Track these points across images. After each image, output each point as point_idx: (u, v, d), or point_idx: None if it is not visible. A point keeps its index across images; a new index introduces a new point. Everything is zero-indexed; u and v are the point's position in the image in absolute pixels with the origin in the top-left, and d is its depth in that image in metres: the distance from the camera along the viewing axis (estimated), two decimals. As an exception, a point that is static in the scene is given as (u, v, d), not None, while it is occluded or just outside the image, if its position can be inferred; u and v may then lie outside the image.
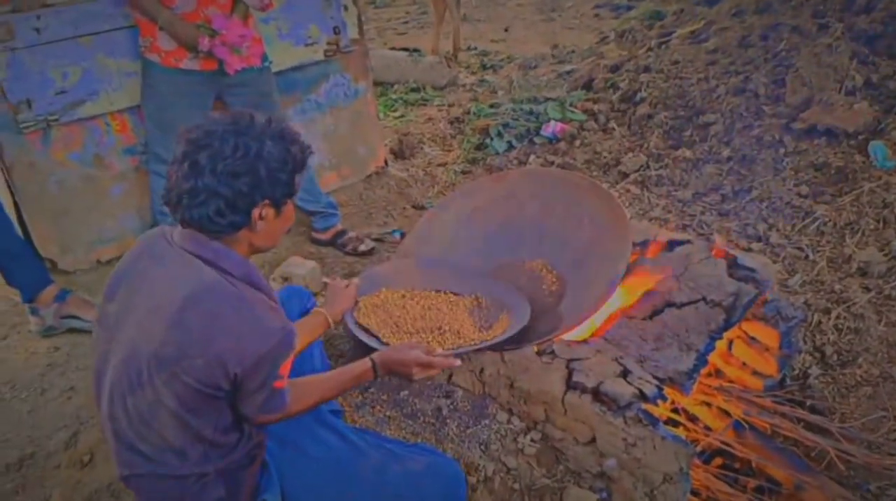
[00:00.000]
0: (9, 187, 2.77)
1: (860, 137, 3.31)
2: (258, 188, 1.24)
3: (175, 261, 1.26)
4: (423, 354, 1.52)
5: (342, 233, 3.32)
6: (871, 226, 2.87)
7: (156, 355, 1.19)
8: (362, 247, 3.26)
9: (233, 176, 1.21)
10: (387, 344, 1.87)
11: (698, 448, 1.95)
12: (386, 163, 3.99)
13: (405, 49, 6.35)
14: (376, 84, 5.36)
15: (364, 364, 1.49)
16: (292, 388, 1.32)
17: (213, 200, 1.21)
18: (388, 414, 1.91)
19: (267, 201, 1.26)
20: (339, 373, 1.47)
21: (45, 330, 2.62)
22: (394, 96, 5.65)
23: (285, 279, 2.71)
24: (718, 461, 2.08)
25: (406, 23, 8.63)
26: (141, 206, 3.03)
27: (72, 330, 2.67)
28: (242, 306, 1.22)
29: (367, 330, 1.92)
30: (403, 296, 2.11)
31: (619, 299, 2.16)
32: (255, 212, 1.26)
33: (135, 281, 1.29)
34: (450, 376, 1.94)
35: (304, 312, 1.87)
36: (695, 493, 1.85)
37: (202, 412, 1.23)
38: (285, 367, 1.26)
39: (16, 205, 2.82)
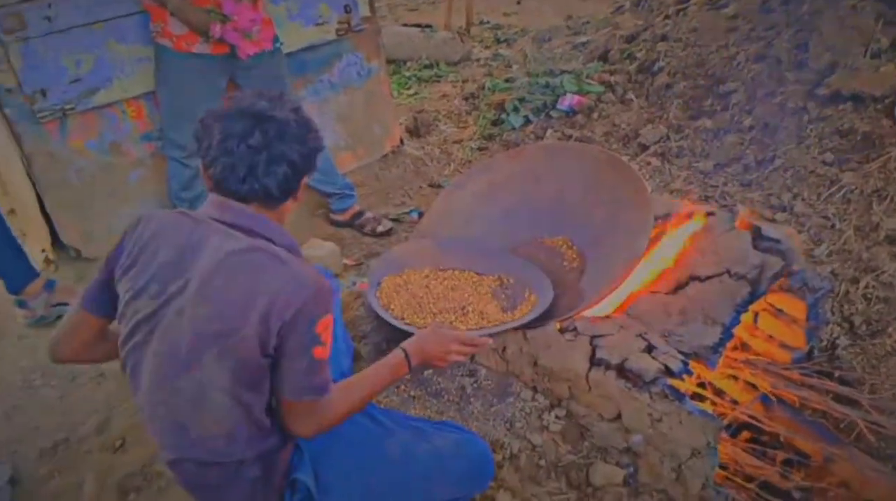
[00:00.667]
0: (30, 178, 2.79)
1: (887, 101, 3.20)
2: (309, 158, 1.31)
3: (210, 238, 1.24)
4: (461, 333, 1.55)
5: (360, 213, 3.32)
6: (900, 193, 2.80)
7: (203, 333, 1.19)
8: (380, 228, 3.26)
9: (299, 142, 1.28)
10: (409, 324, 1.87)
11: (725, 422, 1.93)
12: (401, 141, 3.97)
13: (417, 25, 6.27)
14: (389, 62, 5.31)
15: (396, 355, 1.44)
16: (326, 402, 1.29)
17: (281, 167, 1.26)
18: (412, 393, 1.91)
19: (307, 178, 1.34)
20: (372, 370, 1.42)
21: (36, 320, 2.64)
22: (407, 73, 5.59)
23: (304, 261, 2.71)
24: (746, 434, 2.07)
25: (417, -2, 8.53)
26: (159, 191, 3.04)
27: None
28: (277, 263, 1.22)
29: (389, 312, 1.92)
30: (426, 276, 2.10)
31: (642, 274, 2.13)
32: (305, 181, 1.33)
33: (164, 265, 1.24)
34: (473, 355, 1.94)
35: None
36: (722, 467, 1.84)
37: (255, 386, 1.23)
38: (326, 333, 1.24)
39: (38, 196, 2.85)
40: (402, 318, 1.90)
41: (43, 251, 2.93)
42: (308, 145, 1.30)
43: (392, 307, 1.94)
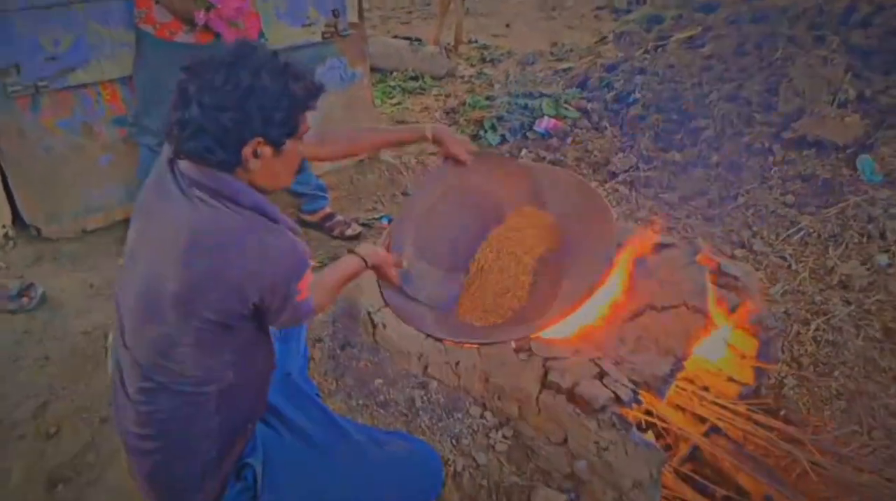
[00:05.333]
0: (-6, 152, 2.74)
1: (849, 151, 3.33)
2: (247, 125, 1.17)
3: (180, 195, 1.21)
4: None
5: (330, 216, 3.31)
6: (855, 240, 2.89)
7: (169, 293, 1.17)
8: (349, 232, 3.25)
9: (218, 109, 1.15)
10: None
11: (669, 454, 1.96)
12: (379, 149, 3.97)
13: (407, 38, 6.32)
14: (376, 70, 5.33)
15: (352, 258, 1.59)
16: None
17: (200, 135, 1.16)
18: (360, 402, 1.91)
19: (259, 139, 1.20)
20: (332, 269, 1.56)
21: None
22: (392, 83, 5.62)
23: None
24: (689, 467, 2.09)
25: (410, 13, 8.59)
26: (128, 178, 3.00)
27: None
28: (249, 235, 1.19)
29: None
30: None
31: (602, 300, 2.15)
32: (247, 151, 1.20)
33: (145, 213, 1.29)
34: (425, 367, 1.94)
35: None
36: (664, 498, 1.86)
37: (221, 343, 1.24)
38: (303, 283, 1.26)
39: (1, 171, 2.79)
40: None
41: (3, 227, 2.87)
42: (239, 113, 1.16)
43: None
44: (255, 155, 1.21)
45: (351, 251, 1.62)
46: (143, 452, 1.30)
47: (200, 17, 2.48)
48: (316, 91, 1.27)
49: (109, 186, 3.01)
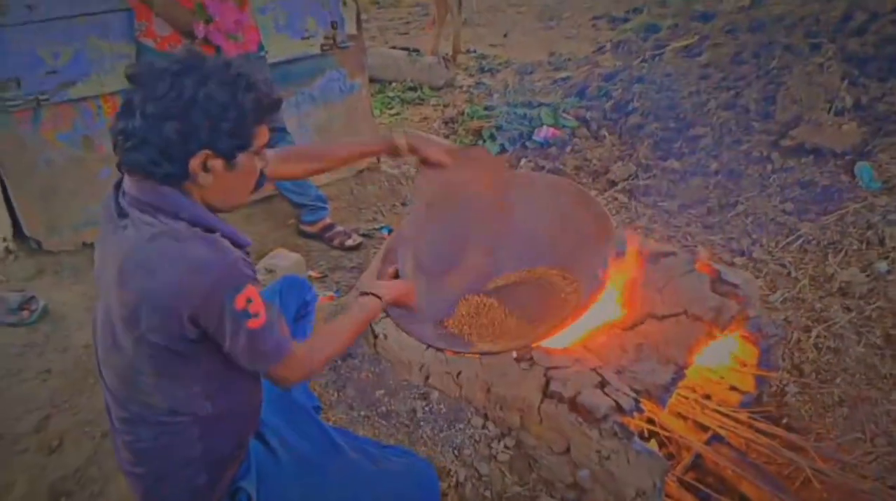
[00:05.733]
0: (-5, 166, 2.75)
1: (847, 158, 3.34)
2: (192, 136, 1.12)
3: (119, 218, 1.18)
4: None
5: (330, 226, 3.32)
6: (854, 247, 2.89)
7: (119, 318, 1.16)
8: (349, 242, 3.26)
9: (161, 119, 1.10)
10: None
11: (672, 463, 1.96)
12: (378, 159, 3.99)
13: (405, 48, 6.36)
14: (375, 81, 5.37)
15: (364, 299, 1.48)
16: (305, 348, 1.30)
17: (144, 146, 1.11)
18: (362, 413, 1.90)
19: (207, 152, 1.14)
20: (343, 320, 1.44)
21: None
22: (391, 94, 5.65)
23: (269, 271, 2.69)
24: (692, 475, 2.09)
25: (408, 23, 8.65)
26: (127, 191, 3.01)
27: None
28: (172, 246, 1.12)
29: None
30: None
31: (601, 310, 2.16)
32: (194, 163, 1.14)
33: (100, 241, 1.27)
34: (427, 377, 1.94)
35: (303, 303, 1.84)
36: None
37: (183, 373, 1.21)
38: (253, 304, 1.15)
39: (2, 184, 2.80)
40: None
41: (3, 240, 2.88)
42: (183, 124, 1.11)
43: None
44: (205, 168, 1.16)
45: (365, 293, 1.51)
46: (134, 476, 1.31)
47: (200, 29, 2.51)
48: (270, 104, 1.22)
49: (104, 199, 3.02)
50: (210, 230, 1.18)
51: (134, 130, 1.11)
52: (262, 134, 1.22)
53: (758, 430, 2.12)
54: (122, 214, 1.18)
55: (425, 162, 1.76)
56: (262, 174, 1.29)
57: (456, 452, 1.81)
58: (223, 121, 1.13)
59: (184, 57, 1.15)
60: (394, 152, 1.71)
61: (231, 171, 1.19)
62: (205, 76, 1.12)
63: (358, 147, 1.83)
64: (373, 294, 1.49)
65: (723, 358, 2.23)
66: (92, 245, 2.98)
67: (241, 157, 1.19)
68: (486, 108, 4.91)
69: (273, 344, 1.21)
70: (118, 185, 1.23)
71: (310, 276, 3.00)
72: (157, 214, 1.15)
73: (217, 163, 1.16)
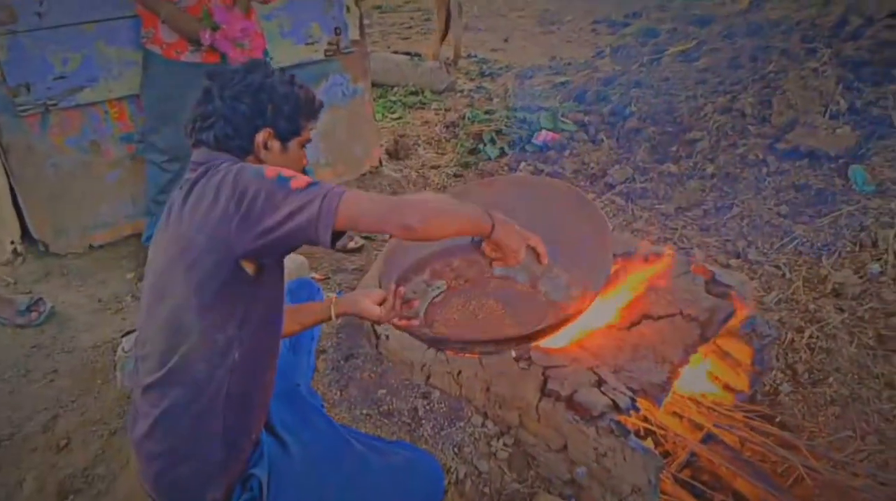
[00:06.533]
0: (4, 170, 2.80)
1: (841, 161, 3.39)
2: (260, 113, 1.36)
3: (185, 182, 1.34)
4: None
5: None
6: (848, 249, 2.94)
7: (170, 256, 1.28)
8: (352, 244, 3.31)
9: (236, 98, 1.34)
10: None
11: (667, 460, 1.99)
12: (381, 162, 4.05)
13: (407, 53, 6.41)
14: (377, 86, 5.42)
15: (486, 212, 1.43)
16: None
17: (219, 122, 1.34)
18: (364, 411, 1.95)
19: (269, 129, 1.37)
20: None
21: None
22: (393, 98, 5.71)
23: (273, 274, 2.73)
24: (687, 472, 2.13)
25: (410, 27, 8.70)
26: (135, 194, 3.07)
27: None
28: (229, 166, 1.27)
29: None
30: None
31: (600, 310, 2.20)
32: (259, 138, 1.36)
33: (165, 213, 1.38)
34: (428, 377, 1.99)
35: None
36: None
37: (223, 310, 1.27)
38: (286, 174, 1.20)
39: (11, 187, 2.85)
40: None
41: (11, 243, 2.92)
42: (254, 101, 1.35)
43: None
44: (266, 146, 1.38)
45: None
46: (151, 455, 1.34)
47: (206, 37, 2.55)
48: (318, 104, 1.46)
49: (117, 202, 3.07)
50: None
51: (214, 110, 1.35)
52: (308, 130, 1.46)
53: (752, 428, 2.16)
54: (189, 179, 1.33)
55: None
56: (304, 168, 1.47)
57: (456, 450, 1.85)
58: (284, 105, 1.38)
59: (248, 62, 1.44)
60: (325, 320, 1.70)
61: (285, 154, 1.41)
62: (270, 72, 1.40)
63: (304, 320, 1.71)
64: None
65: (701, 380, 2.27)
66: (99, 247, 3.08)
67: (293, 143, 1.42)
68: (486, 112, 4.97)
69: (324, 189, 1.18)
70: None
71: (313, 278, 3.05)
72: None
73: (275, 144, 1.39)
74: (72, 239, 3.01)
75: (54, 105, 2.75)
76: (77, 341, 2.59)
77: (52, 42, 2.68)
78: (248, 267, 1.26)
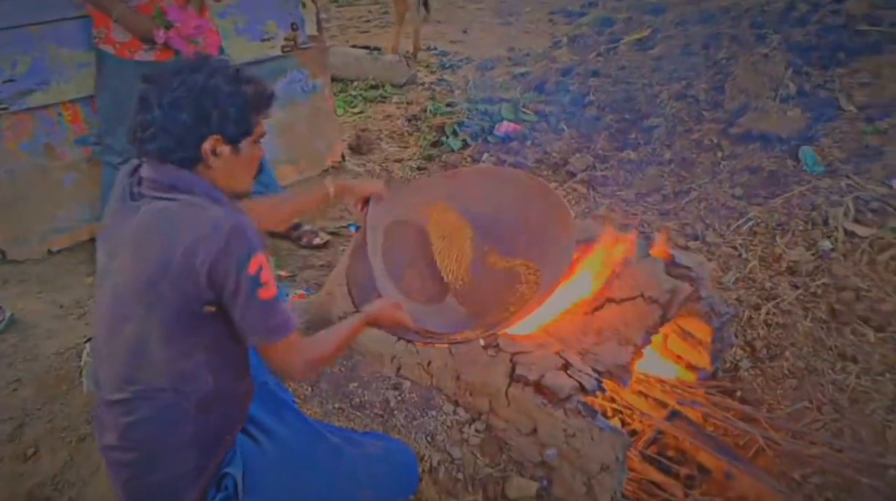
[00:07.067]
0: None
1: (792, 143, 3.49)
2: (204, 121, 1.27)
3: (135, 200, 1.29)
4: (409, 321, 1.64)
5: (297, 225, 3.35)
6: (800, 227, 3.04)
7: (132, 287, 1.24)
8: (317, 240, 3.30)
9: (176, 107, 1.25)
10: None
11: (634, 438, 2.05)
12: (343, 158, 4.03)
13: (366, 47, 6.38)
14: (337, 80, 5.38)
15: (357, 318, 1.53)
16: (306, 341, 1.36)
17: (161, 134, 1.26)
18: (336, 405, 1.96)
19: (217, 136, 1.29)
20: (337, 327, 1.49)
21: None
22: (353, 93, 5.67)
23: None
24: (653, 449, 2.19)
25: (368, 21, 8.64)
26: (93, 196, 3.00)
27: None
28: (192, 211, 1.24)
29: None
30: None
31: (565, 296, 2.25)
32: (206, 147, 1.28)
33: (109, 229, 1.34)
34: (398, 368, 2.01)
35: None
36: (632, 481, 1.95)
37: (190, 341, 1.27)
38: (263, 273, 1.24)
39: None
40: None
41: (-33, 251, 2.85)
42: (196, 110, 1.26)
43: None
44: (215, 153, 1.30)
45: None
46: (121, 463, 1.33)
47: (160, 35, 2.51)
48: (268, 96, 1.38)
49: (74, 206, 3.01)
50: (220, 204, 1.30)
51: (153, 120, 1.26)
52: (261, 124, 1.38)
53: (714, 404, 2.24)
54: (136, 198, 1.30)
55: (363, 198, 1.89)
56: (261, 162, 1.44)
57: (429, 438, 1.88)
58: (230, 108, 1.29)
59: (190, 60, 1.34)
60: (325, 200, 1.82)
61: (237, 156, 1.34)
62: (212, 71, 1.29)
63: (299, 204, 1.88)
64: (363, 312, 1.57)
65: (664, 361, 2.35)
66: (58, 253, 3.02)
67: (245, 144, 1.35)
68: (447, 105, 4.99)
69: (281, 318, 1.28)
70: (132, 173, 1.35)
71: (280, 276, 3.04)
72: (173, 191, 1.27)
73: (225, 149, 1.31)
74: (30, 245, 2.95)
75: (5, 109, 2.68)
76: (40, 348, 2.54)
77: (-1, 44, 2.61)
78: (213, 307, 1.26)
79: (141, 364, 1.27)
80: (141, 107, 1.28)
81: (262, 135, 1.40)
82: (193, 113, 1.26)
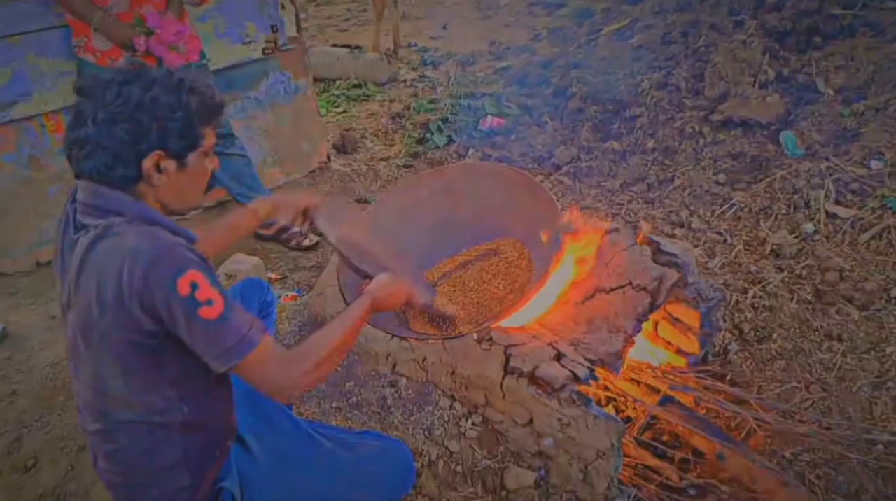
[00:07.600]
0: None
1: (772, 128, 3.54)
2: (143, 138, 1.18)
3: (74, 229, 1.23)
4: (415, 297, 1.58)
5: (286, 228, 3.34)
6: (783, 211, 3.09)
7: (79, 327, 1.20)
8: (306, 242, 3.31)
9: (112, 124, 1.16)
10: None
11: (628, 425, 2.08)
12: (329, 158, 4.04)
13: (346, 46, 6.36)
14: (319, 81, 5.37)
15: (363, 303, 1.41)
16: (291, 351, 1.26)
17: (98, 151, 1.17)
18: (333, 405, 1.98)
19: (159, 152, 1.20)
20: (339, 320, 1.37)
21: None
22: (336, 92, 5.67)
23: (230, 277, 2.73)
24: (648, 434, 2.23)
25: (347, 20, 8.61)
26: (78, 208, 2.99)
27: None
28: (115, 243, 1.16)
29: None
30: None
31: (555, 287, 2.28)
32: (147, 164, 1.19)
33: (59, 258, 1.29)
34: (394, 366, 2.03)
35: (264, 304, 1.87)
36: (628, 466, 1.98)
37: (151, 375, 1.22)
38: (201, 291, 1.13)
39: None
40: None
41: (-46, 265, 2.84)
42: (133, 126, 1.17)
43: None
44: (159, 169, 1.21)
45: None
46: (116, 484, 1.33)
47: (141, 43, 2.51)
48: (214, 106, 1.28)
49: (60, 216, 3.00)
50: (151, 223, 1.21)
51: (87, 137, 1.17)
52: (210, 135, 1.29)
53: (705, 388, 2.27)
54: (78, 229, 1.22)
55: (302, 213, 1.73)
56: (212, 174, 1.34)
57: (427, 433, 1.90)
58: (171, 122, 1.20)
59: (127, 67, 1.22)
60: (255, 222, 1.71)
61: (183, 171, 1.25)
62: (150, 82, 1.19)
63: (232, 231, 1.73)
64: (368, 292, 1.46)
65: (651, 350, 2.38)
66: (47, 263, 3.00)
67: (192, 157, 1.26)
68: (431, 101, 5.00)
69: (236, 335, 1.16)
70: (73, 198, 1.26)
71: (270, 279, 3.05)
72: (107, 215, 1.20)
73: (169, 164, 1.22)
74: (18, 257, 2.94)
75: (-14, 121, 2.68)
76: (34, 360, 2.53)
77: (-22, 57, 2.60)
78: (150, 324, 1.16)
79: (106, 399, 1.25)
80: (75, 122, 1.19)
81: (213, 146, 1.30)
82: (130, 128, 1.17)
